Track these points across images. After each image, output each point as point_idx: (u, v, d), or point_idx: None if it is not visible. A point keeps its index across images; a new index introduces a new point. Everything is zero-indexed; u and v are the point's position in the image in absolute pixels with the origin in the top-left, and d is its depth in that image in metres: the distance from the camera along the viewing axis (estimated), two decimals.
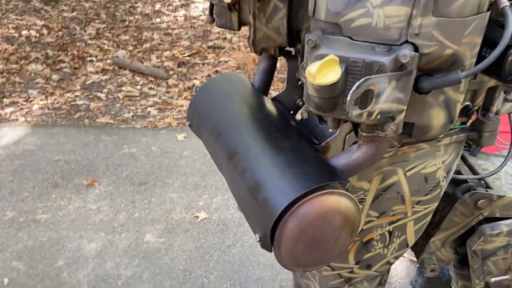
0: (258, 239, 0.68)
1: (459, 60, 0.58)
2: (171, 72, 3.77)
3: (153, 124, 3.02)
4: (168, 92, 3.47)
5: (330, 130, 0.69)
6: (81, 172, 2.48)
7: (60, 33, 4.34)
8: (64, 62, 3.84)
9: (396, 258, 0.92)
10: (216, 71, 3.76)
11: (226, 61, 3.91)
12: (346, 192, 0.66)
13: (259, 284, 1.84)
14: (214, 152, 0.87)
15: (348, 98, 0.55)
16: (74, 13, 4.78)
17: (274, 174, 0.69)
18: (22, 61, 3.80)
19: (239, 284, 1.84)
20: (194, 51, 4.12)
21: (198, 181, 2.43)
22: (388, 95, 0.56)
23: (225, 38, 4.44)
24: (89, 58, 3.93)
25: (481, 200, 0.91)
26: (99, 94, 3.41)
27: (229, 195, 2.31)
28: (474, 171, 0.97)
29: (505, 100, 0.82)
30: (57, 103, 3.26)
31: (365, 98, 0.56)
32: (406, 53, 0.54)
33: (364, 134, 0.65)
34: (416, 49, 0.57)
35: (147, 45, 4.26)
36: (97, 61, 3.92)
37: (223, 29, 4.61)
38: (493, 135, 0.80)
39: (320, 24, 0.61)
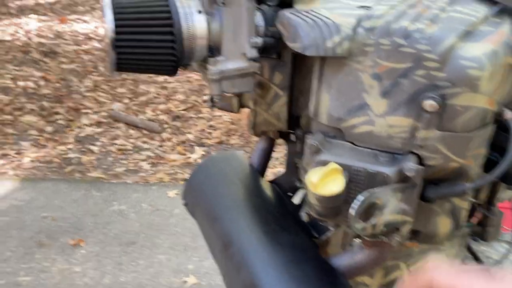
0: None
1: (465, 172, 0.57)
2: (166, 126, 3.78)
3: (145, 180, 2.98)
4: (161, 146, 3.46)
5: (331, 229, 0.67)
6: (68, 230, 2.41)
7: (58, 84, 4.38)
8: (59, 114, 3.85)
9: None
10: (210, 126, 3.78)
11: (220, 116, 3.94)
12: None
13: None
14: (208, 237, 0.84)
15: (353, 213, 0.53)
16: (73, 65, 4.86)
17: (273, 275, 0.66)
18: (17, 112, 3.80)
19: None
20: (189, 105, 4.16)
21: (189, 241, 2.37)
22: (392, 207, 0.54)
23: None
24: (84, 110, 3.94)
25: None
26: (92, 147, 3.39)
27: None
28: (477, 259, 0.94)
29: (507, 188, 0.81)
30: (49, 156, 3.23)
31: (369, 210, 0.54)
32: (411, 166, 0.53)
33: (367, 239, 0.62)
34: (419, 159, 0.55)
35: (143, 98, 4.30)
36: (92, 113, 3.94)
37: None
38: (498, 229, 0.78)
39: (321, 126, 0.60)
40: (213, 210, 0.83)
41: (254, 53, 0.66)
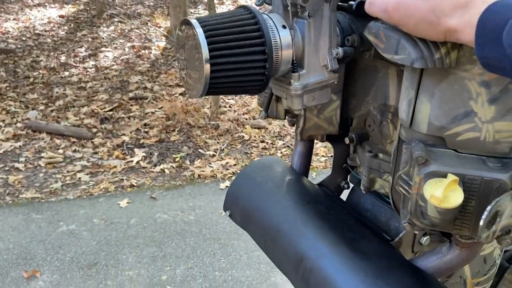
0: None
1: None
2: (95, 130, 3.51)
3: (88, 192, 2.76)
4: (96, 153, 3.21)
5: (416, 232, 0.66)
6: (17, 262, 2.16)
7: None
8: None
9: None
10: (145, 124, 3.59)
11: (153, 112, 3.76)
12: None
13: None
14: (273, 251, 0.81)
15: (481, 223, 0.53)
16: None
17: (368, 286, 0.65)
18: None
19: None
20: (115, 105, 3.91)
21: (155, 251, 2.25)
22: (509, 212, 0.55)
23: (145, 88, 4.29)
24: None
25: None
26: (16, 164, 3.04)
27: (192, 263, 2.18)
28: None
29: None
30: None
31: (492, 219, 0.55)
32: None
33: (463, 240, 0.63)
34: None
35: (60, 102, 3.95)
36: (5, 126, 3.52)
37: (141, 79, 4.46)
38: None
39: (418, 135, 0.59)
40: (274, 222, 0.81)
41: (335, 64, 0.64)
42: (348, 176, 0.92)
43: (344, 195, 0.91)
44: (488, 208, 0.53)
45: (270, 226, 0.81)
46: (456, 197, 0.53)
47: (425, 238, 0.74)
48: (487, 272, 0.84)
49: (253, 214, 0.85)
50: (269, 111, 0.84)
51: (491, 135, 0.55)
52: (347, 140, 0.81)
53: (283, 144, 3.43)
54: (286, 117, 0.86)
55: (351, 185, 0.91)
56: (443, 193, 0.53)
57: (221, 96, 3.86)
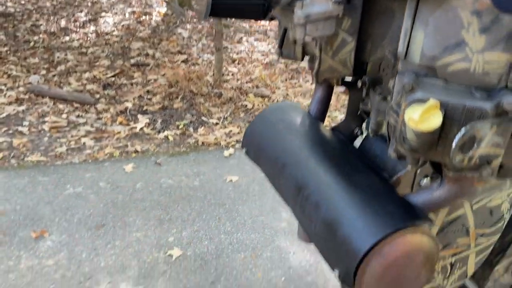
0: (338, 275, 0.69)
1: None
2: (98, 96, 3.51)
3: (93, 157, 2.78)
4: (99, 119, 3.22)
5: (409, 168, 0.69)
6: (25, 223, 2.19)
7: None
8: None
9: None
10: (148, 91, 3.58)
11: (155, 79, 3.75)
12: (428, 231, 0.67)
13: None
14: (278, 183, 0.86)
15: (453, 144, 0.56)
16: None
17: (354, 210, 0.70)
18: None
19: None
20: (117, 71, 3.88)
21: (161, 214, 2.30)
22: (488, 140, 0.57)
23: (147, 54, 4.25)
24: None
25: None
26: (20, 128, 3.05)
27: (198, 226, 2.22)
28: None
29: None
30: None
31: (468, 143, 0.58)
32: (511, 100, 0.56)
33: (451, 174, 0.65)
34: None
35: (61, 67, 3.92)
36: (7, 89, 3.51)
37: (142, 45, 4.41)
38: None
39: (412, 66, 0.61)
40: (281, 156, 0.85)
41: None
42: (363, 124, 0.93)
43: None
44: (462, 130, 0.55)
45: (277, 159, 0.86)
46: (433, 120, 0.55)
47: (425, 180, 0.76)
48: (493, 225, 0.87)
49: (263, 149, 0.91)
50: (288, 52, 0.84)
51: (480, 66, 0.57)
52: (359, 83, 0.82)
53: None
54: (305, 60, 0.87)
55: (365, 133, 0.92)
56: (421, 116, 0.55)
57: (224, 64, 3.84)
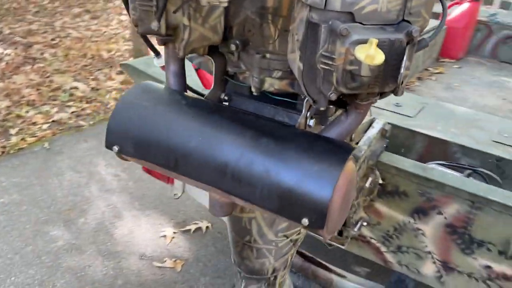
0: (308, 223, 0.75)
1: (424, 28, 0.74)
2: None
3: None
4: None
5: (322, 108, 0.76)
6: None
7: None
8: None
9: None
10: None
11: None
12: (352, 157, 0.79)
13: None
14: (188, 168, 0.82)
15: (402, 70, 0.68)
16: None
17: (302, 162, 0.75)
18: None
19: None
20: None
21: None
22: (405, 64, 0.69)
23: None
24: None
25: None
26: None
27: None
28: None
29: None
30: None
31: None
32: (416, 28, 0.67)
33: (364, 103, 0.78)
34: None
35: None
36: None
37: None
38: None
39: (332, 14, 0.68)
40: (181, 139, 0.81)
41: None
42: (226, 87, 0.95)
43: None
44: (405, 58, 0.69)
45: (179, 144, 0.81)
46: (381, 54, 0.66)
47: (312, 121, 0.88)
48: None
49: (152, 139, 0.82)
50: (147, 27, 0.78)
51: (385, 6, 0.68)
52: (232, 47, 0.85)
53: None
54: (158, 37, 0.81)
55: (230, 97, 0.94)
56: (374, 52, 0.65)
57: None
